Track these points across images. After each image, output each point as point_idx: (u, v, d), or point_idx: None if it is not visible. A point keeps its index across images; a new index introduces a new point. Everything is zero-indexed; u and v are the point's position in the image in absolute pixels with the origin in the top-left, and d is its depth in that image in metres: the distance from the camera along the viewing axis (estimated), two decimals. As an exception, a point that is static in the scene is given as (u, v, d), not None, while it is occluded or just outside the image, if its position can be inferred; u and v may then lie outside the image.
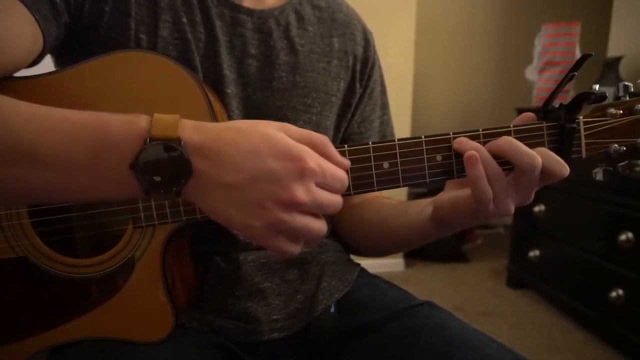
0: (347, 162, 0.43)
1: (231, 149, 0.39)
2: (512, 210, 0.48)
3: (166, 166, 0.38)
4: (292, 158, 0.39)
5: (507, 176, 0.47)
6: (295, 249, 0.42)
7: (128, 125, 0.39)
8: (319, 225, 0.42)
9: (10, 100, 0.39)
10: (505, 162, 0.47)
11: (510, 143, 0.47)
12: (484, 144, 0.48)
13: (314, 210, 0.41)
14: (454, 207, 0.51)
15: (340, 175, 0.42)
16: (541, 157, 0.46)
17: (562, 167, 0.47)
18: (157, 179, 0.38)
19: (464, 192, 0.50)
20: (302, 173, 0.39)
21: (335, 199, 0.42)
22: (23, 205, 0.52)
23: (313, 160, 0.40)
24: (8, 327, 0.54)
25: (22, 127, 0.38)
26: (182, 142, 0.38)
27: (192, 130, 0.39)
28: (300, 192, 0.39)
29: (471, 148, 0.47)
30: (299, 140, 0.41)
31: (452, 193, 0.52)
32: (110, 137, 0.38)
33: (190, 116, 0.41)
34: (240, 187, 0.39)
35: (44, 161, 0.38)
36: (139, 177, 0.38)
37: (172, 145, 0.38)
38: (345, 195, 0.44)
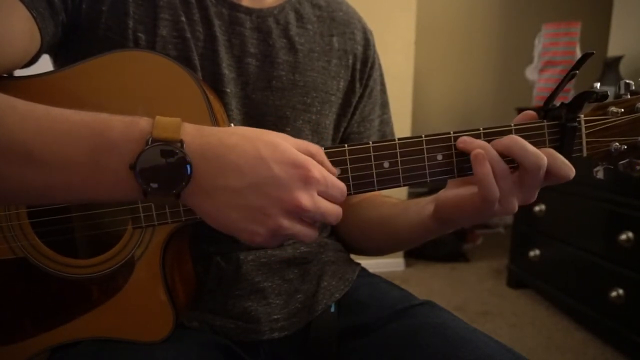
0: (335, 170, 0.46)
1: (234, 153, 0.39)
2: (516, 208, 0.48)
3: (167, 167, 0.38)
4: (297, 165, 0.40)
5: (513, 174, 0.47)
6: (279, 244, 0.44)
7: (129, 126, 0.39)
8: (314, 234, 0.44)
9: (6, 98, 0.38)
10: (509, 161, 0.47)
11: (516, 142, 0.46)
12: (487, 142, 0.48)
13: (316, 217, 0.42)
14: (458, 206, 0.51)
15: (340, 185, 0.43)
16: (548, 158, 0.46)
17: (569, 170, 0.47)
18: (157, 180, 0.38)
19: (468, 190, 0.50)
20: (307, 181, 0.40)
21: (336, 209, 0.43)
22: (22, 206, 0.52)
23: (317, 169, 0.41)
24: (8, 328, 0.53)
25: (17, 125, 0.37)
26: (183, 144, 0.38)
27: (194, 133, 0.39)
28: (305, 199, 0.40)
29: (477, 147, 0.47)
30: (297, 150, 0.42)
31: (454, 191, 0.52)
32: (110, 138, 0.38)
33: (189, 115, 0.41)
34: (244, 193, 0.39)
35: (40, 160, 0.37)
36: (139, 177, 0.38)
37: (173, 146, 0.38)
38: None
